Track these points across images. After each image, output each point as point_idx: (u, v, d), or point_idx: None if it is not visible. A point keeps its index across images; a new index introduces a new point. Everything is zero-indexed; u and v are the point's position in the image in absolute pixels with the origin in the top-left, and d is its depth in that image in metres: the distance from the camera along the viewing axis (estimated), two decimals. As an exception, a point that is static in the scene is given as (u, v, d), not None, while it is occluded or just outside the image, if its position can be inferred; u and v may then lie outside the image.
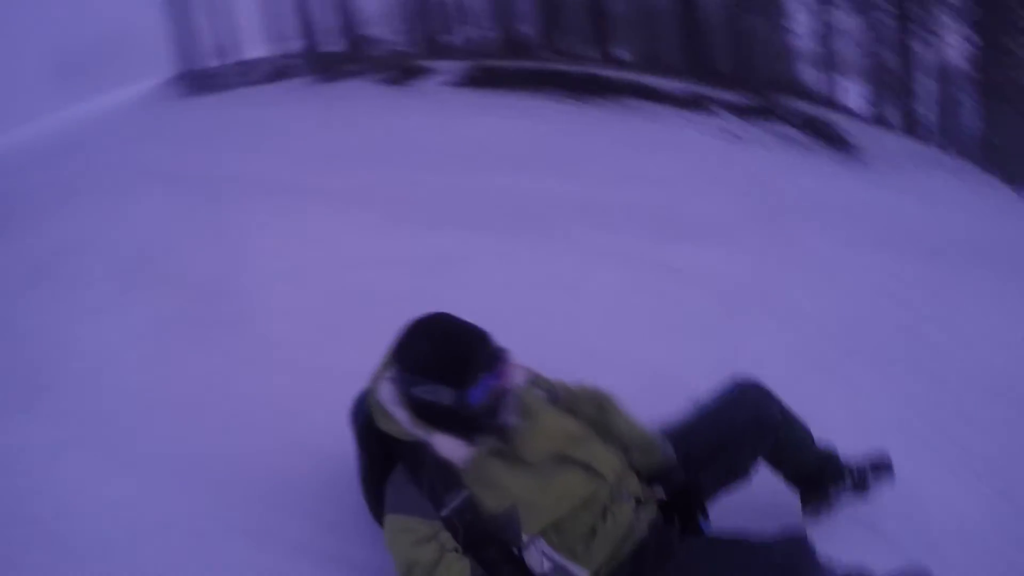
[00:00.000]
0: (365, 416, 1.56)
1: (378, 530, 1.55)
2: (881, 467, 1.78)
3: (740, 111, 6.89)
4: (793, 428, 1.70)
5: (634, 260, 3.38)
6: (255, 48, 12.95)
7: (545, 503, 1.40)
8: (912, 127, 12.60)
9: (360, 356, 1.66)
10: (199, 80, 10.76)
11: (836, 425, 1.90)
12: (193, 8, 12.37)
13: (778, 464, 1.72)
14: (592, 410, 1.62)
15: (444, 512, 1.39)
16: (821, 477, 1.74)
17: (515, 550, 1.40)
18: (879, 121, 12.31)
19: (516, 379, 1.46)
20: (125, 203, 4.41)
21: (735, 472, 1.65)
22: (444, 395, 1.38)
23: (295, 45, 11.62)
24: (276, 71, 10.05)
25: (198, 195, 4.36)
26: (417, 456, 1.44)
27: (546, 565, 1.39)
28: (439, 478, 1.41)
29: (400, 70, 7.77)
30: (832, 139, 7.14)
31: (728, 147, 5.93)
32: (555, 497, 1.41)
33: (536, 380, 1.61)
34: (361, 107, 7.14)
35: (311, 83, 8.59)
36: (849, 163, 6.85)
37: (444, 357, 1.39)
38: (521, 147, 5.42)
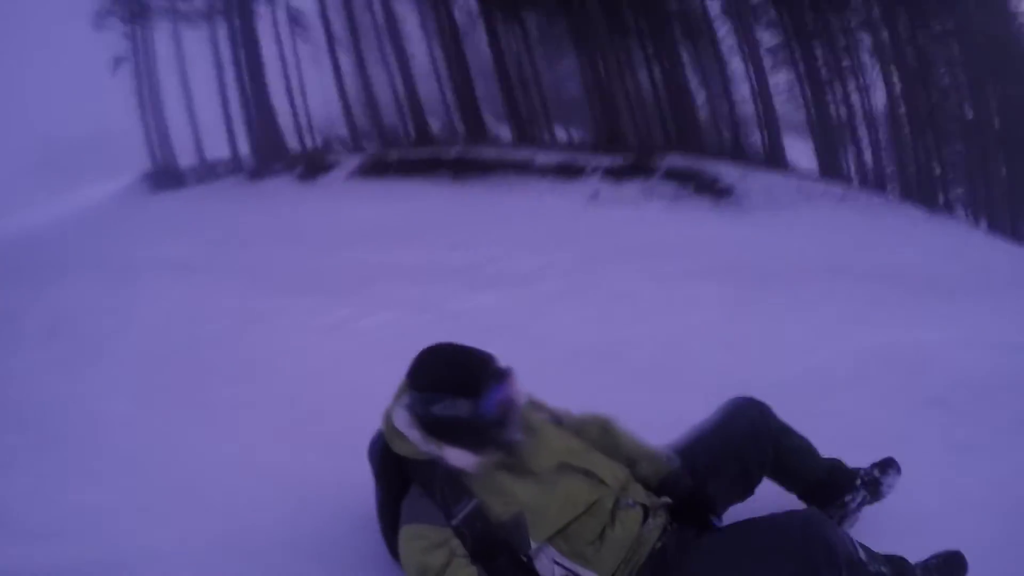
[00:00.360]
0: (381, 447, 1.65)
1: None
2: (888, 466, 1.76)
3: (615, 173, 7.39)
4: (791, 436, 1.72)
5: (425, 307, 3.68)
6: (212, 148, 13.82)
7: (551, 509, 1.45)
8: (833, 169, 13.30)
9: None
10: (164, 178, 11.67)
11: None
12: (161, 114, 13.31)
13: (785, 476, 1.73)
14: (597, 432, 1.68)
15: (454, 520, 1.46)
16: (832, 486, 1.73)
17: (524, 558, 1.44)
18: (827, 171, 12.98)
19: (520, 394, 1.55)
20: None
21: (739, 482, 1.68)
22: (460, 407, 1.47)
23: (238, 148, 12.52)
24: (224, 170, 10.91)
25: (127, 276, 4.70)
26: (429, 472, 1.52)
27: (557, 572, 1.44)
28: (449, 488, 1.49)
29: (309, 167, 8.43)
30: (710, 188, 7.58)
31: (583, 208, 6.36)
32: (560, 503, 1.46)
33: (537, 404, 1.70)
34: (279, 200, 7.83)
35: (245, 181, 9.38)
36: (720, 208, 7.29)
37: (457, 372, 1.50)
38: (388, 225, 5.90)
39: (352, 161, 8.38)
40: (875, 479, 1.73)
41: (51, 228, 8.74)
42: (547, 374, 2.52)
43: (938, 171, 16.28)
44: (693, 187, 7.50)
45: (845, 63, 15.52)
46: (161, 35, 13.35)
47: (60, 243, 7.13)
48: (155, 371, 2.98)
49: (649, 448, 1.67)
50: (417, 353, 1.57)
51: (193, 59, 13.87)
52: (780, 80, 17.39)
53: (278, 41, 13.37)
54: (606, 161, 7.52)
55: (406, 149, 8.82)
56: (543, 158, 7.58)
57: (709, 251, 5.34)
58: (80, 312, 3.87)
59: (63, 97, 22.17)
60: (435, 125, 10.70)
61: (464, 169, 7.28)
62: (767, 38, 15.79)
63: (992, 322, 3.44)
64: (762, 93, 13.04)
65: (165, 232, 6.77)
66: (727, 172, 8.10)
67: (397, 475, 1.59)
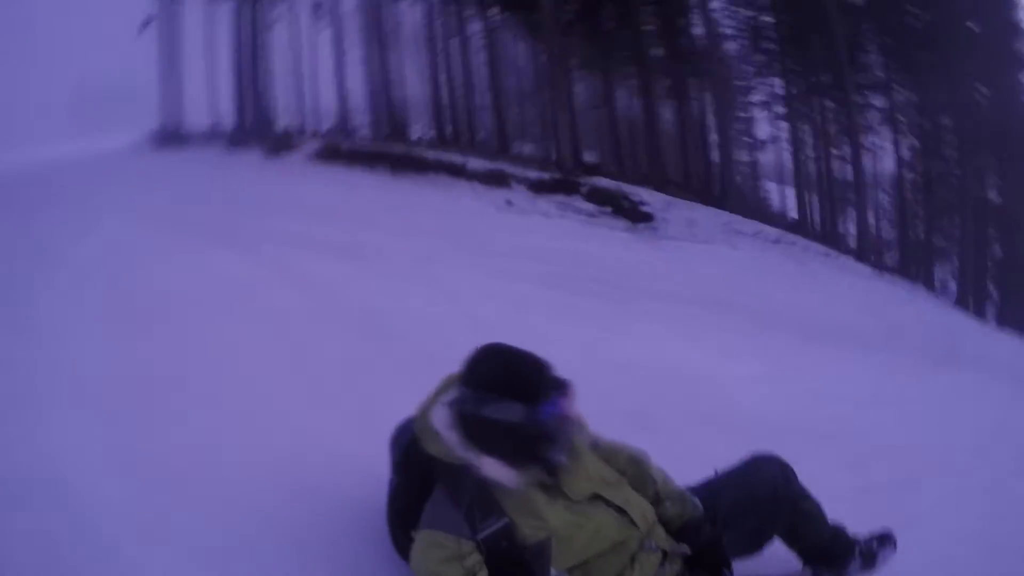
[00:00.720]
0: (407, 442, 1.62)
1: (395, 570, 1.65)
2: (886, 540, 1.81)
3: (541, 187, 8.20)
4: (808, 501, 1.75)
5: (288, 269, 4.50)
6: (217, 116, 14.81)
7: (579, 540, 1.45)
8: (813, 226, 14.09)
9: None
10: (169, 138, 12.64)
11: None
12: (177, 78, 14.25)
13: (794, 537, 1.76)
14: (626, 463, 1.67)
15: (479, 535, 1.42)
16: (834, 554, 1.78)
17: None
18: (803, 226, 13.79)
19: (576, 412, 1.52)
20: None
21: (752, 538, 1.71)
22: (514, 411, 1.42)
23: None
24: (220, 139, 11.89)
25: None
26: (459, 479, 1.47)
27: None
28: (479, 502, 1.45)
29: (276, 146, 9.38)
30: (627, 212, 8.34)
31: (495, 213, 7.17)
32: (589, 536, 1.46)
33: (581, 425, 1.65)
34: (241, 171, 8.79)
35: (224, 151, 10.40)
36: (635, 230, 8.05)
37: (516, 374, 1.46)
38: (322, 204, 6.77)
39: (312, 146, 9.33)
40: (872, 552, 1.80)
41: (58, 167, 9.74)
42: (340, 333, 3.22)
43: (928, 239, 16.83)
44: (612, 209, 8.27)
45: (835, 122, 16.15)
46: (192, 7, 14.48)
47: (59, 182, 8.10)
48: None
49: (677, 489, 1.68)
50: (474, 349, 1.53)
51: (215, 33, 15.01)
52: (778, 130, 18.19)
53: (296, 28, 14.47)
54: (534, 175, 8.33)
55: (359, 141, 9.75)
56: (475, 164, 8.43)
57: (589, 264, 6.08)
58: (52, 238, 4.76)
59: (101, 48, 23.50)
60: (416, 127, 11.68)
61: (403, 165, 8.16)
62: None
63: (847, 373, 3.78)
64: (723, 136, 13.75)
65: (141, 184, 7.77)
66: (652, 199, 8.86)
67: (420, 474, 1.56)
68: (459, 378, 1.51)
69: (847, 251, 12.39)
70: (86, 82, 23.37)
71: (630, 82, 14.63)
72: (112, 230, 5.16)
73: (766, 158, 19.30)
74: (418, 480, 1.56)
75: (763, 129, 18.82)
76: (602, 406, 1.74)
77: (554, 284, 4.96)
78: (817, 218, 16.26)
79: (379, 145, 9.62)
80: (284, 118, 12.93)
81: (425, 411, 1.55)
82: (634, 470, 1.66)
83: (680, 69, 13.55)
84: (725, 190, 12.14)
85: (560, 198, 8.08)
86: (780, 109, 16.47)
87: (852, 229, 16.79)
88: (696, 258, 7.54)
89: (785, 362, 3.81)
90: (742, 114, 18.60)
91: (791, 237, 10.51)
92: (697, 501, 1.66)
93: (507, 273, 5.13)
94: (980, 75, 17.84)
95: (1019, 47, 20.20)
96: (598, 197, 8.30)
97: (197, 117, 14.24)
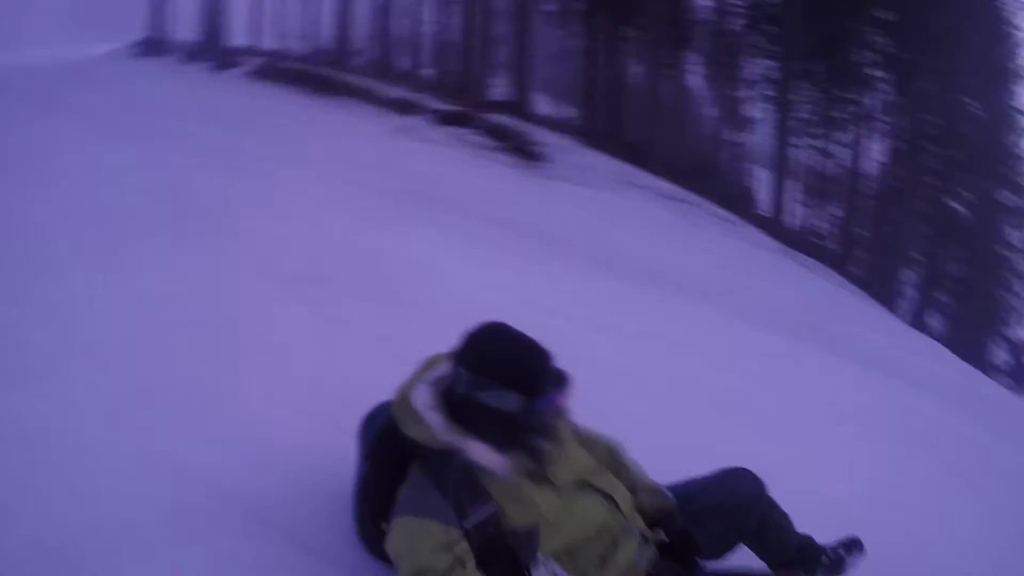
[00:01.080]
0: (382, 425, 1.59)
1: (357, 555, 1.65)
2: (853, 546, 1.85)
3: (443, 118, 9.27)
4: (777, 513, 1.80)
5: (159, 163, 5.70)
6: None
7: (567, 525, 1.47)
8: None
9: None
10: (149, 47, 13.57)
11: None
12: None
13: (762, 547, 1.81)
14: (603, 452, 1.71)
15: (467, 522, 1.41)
16: (801, 562, 1.82)
17: (525, 569, 1.44)
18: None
19: (570, 404, 1.54)
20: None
21: (717, 542, 1.74)
22: (511, 401, 1.42)
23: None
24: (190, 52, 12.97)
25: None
26: (442, 463, 1.45)
27: None
28: (466, 488, 1.44)
29: (223, 62, 10.51)
30: (520, 150, 9.40)
31: (384, 136, 8.30)
32: (576, 520, 1.49)
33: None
34: (185, 80, 9.97)
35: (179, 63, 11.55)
36: (522, 167, 9.12)
37: (518, 363, 1.45)
38: (229, 114, 7.95)
39: (254, 64, 10.44)
40: (840, 558, 1.84)
41: (36, 70, 10.94)
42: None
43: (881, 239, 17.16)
44: (505, 145, 9.34)
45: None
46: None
47: (25, 83, 9.32)
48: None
49: (651, 481, 1.75)
50: (473, 329, 1.51)
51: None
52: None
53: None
54: (442, 107, 9.37)
55: (294, 62, 10.83)
56: (389, 92, 9.48)
57: (438, 184, 7.16)
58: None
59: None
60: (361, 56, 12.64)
61: (325, 87, 9.26)
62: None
63: (627, 307, 4.21)
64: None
65: (90, 88, 8.86)
66: (551, 142, 9.87)
67: (398, 460, 1.52)
68: (454, 356, 1.50)
69: (762, 224, 12.72)
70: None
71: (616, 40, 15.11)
72: (38, 124, 6.37)
73: (746, 139, 19.72)
74: (393, 466, 1.53)
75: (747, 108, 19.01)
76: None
77: (384, 194, 5.66)
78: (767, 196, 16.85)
79: (310, 67, 10.71)
80: (240, 36, 13.90)
81: (405, 391, 1.54)
82: (610, 460, 1.71)
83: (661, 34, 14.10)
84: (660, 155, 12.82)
85: (455, 130, 9.16)
86: (767, 91, 16.65)
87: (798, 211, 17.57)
88: (566, 198, 8.15)
89: (558, 287, 4.21)
90: (730, 91, 18.74)
91: (696, 198, 11.26)
92: (669, 494, 1.73)
93: (349, 181, 6.21)
94: (971, 87, 18.03)
95: (1011, 61, 20.21)
96: (495, 133, 9.35)
97: (184, 31, 15.25)
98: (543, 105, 15.34)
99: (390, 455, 1.54)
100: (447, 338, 1.54)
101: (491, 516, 1.43)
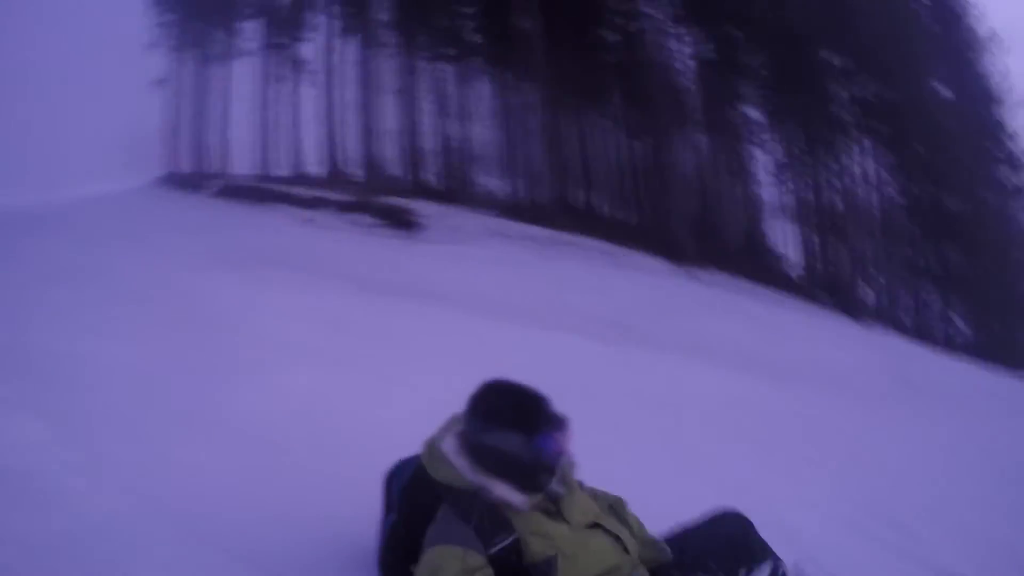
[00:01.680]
0: (412, 474, 1.82)
1: None
2: None
3: (339, 207, 12.43)
4: (765, 553, 1.95)
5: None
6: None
7: (583, 560, 1.65)
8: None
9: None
10: (178, 181, 16.56)
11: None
12: (182, 123, 18.49)
13: None
14: (606, 507, 1.91)
15: (492, 550, 1.60)
16: None
17: None
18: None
19: (571, 447, 1.74)
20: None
21: None
22: (512, 440, 1.66)
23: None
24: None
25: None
26: (468, 501, 1.67)
27: None
28: (490, 519, 1.64)
29: (191, 185, 14.25)
30: (403, 223, 12.35)
31: (291, 228, 11.36)
32: (591, 556, 1.66)
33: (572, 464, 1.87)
34: (156, 204, 13.46)
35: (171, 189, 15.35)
36: (403, 237, 12.02)
37: (514, 406, 1.71)
38: (168, 221, 11.13)
39: (217, 185, 14.18)
40: None
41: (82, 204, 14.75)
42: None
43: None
44: (389, 222, 12.33)
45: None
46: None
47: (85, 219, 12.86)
48: None
49: (651, 535, 1.92)
50: (480, 385, 1.77)
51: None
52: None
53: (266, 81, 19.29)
54: (345, 199, 12.58)
55: (242, 179, 14.62)
56: (305, 192, 12.78)
57: (300, 253, 9.92)
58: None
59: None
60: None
61: (261, 197, 12.70)
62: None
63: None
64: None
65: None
66: (426, 212, 12.78)
67: (429, 502, 1.70)
68: (467, 409, 1.76)
69: (647, 248, 13.91)
70: (135, 129, 28.32)
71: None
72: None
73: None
74: (423, 509, 1.71)
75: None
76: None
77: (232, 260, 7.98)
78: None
79: (248, 180, 14.35)
80: (213, 162, 17.99)
81: (433, 441, 1.79)
82: (614, 514, 1.89)
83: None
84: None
85: (354, 216, 12.26)
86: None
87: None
88: (420, 254, 9.99)
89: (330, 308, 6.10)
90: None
91: (567, 238, 13.76)
92: (668, 549, 1.90)
93: (225, 257, 9.06)
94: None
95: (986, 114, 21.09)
96: (381, 213, 12.37)
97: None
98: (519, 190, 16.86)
99: (421, 498, 1.74)
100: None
101: (513, 544, 1.62)
